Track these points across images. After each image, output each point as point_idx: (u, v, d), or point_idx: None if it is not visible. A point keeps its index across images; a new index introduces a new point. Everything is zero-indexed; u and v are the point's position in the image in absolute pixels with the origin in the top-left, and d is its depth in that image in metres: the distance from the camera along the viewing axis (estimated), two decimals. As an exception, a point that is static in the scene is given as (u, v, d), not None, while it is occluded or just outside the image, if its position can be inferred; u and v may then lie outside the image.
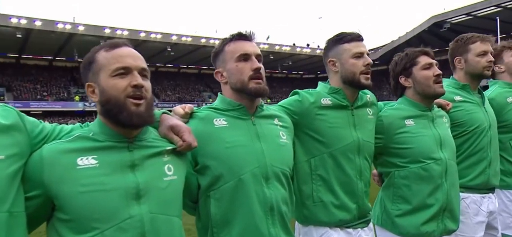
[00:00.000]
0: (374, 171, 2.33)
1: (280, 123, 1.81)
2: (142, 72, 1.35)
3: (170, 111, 1.67)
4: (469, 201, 2.40)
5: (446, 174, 2.11)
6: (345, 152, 1.95)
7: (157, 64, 47.32)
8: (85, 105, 38.96)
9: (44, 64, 43.32)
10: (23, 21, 32.89)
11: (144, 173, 1.32)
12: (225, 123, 1.66)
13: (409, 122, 2.16)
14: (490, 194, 2.49)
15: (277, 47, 44.79)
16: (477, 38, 2.52)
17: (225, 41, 1.75)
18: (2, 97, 36.57)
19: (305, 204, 1.96)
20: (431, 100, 2.23)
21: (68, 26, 35.37)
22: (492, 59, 2.51)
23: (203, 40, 41.37)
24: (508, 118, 2.69)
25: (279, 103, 2.02)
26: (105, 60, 1.34)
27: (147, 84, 1.36)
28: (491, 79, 2.95)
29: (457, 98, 2.49)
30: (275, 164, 1.65)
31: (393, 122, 2.15)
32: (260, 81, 1.68)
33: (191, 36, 41.25)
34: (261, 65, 1.71)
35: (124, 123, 1.30)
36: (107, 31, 37.21)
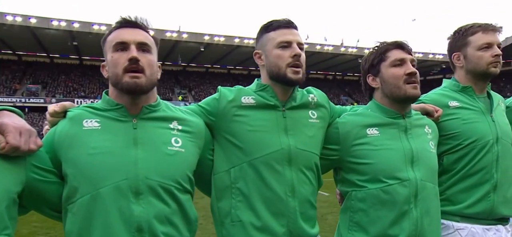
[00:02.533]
0: (337, 189, 1.89)
1: (179, 127, 1.47)
2: None
3: None
4: (465, 233, 1.82)
5: (417, 199, 1.61)
6: (269, 161, 1.54)
7: (250, 68, 49.04)
8: (185, 104, 42.14)
9: (154, 67, 48.08)
10: (139, 31, 36.94)
11: None
12: (97, 125, 1.37)
13: (371, 131, 1.69)
14: (499, 226, 1.86)
15: (366, 51, 42.84)
16: (478, 28, 1.93)
17: (109, 31, 1.46)
18: (121, 96, 41.63)
19: (224, 223, 1.58)
20: (404, 105, 1.73)
21: (174, 34, 38.68)
22: (499, 52, 1.90)
23: (292, 45, 41.62)
24: None
25: (199, 103, 1.71)
26: None
27: None
28: None
29: (453, 103, 1.92)
30: (152, 176, 1.33)
31: (351, 131, 1.70)
32: (135, 74, 1.34)
33: (281, 41, 41.82)
34: (142, 55, 1.37)
35: None
36: (206, 37, 39.72)
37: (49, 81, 41.39)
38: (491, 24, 1.95)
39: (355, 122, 1.72)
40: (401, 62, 1.70)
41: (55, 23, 33.72)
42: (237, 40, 40.32)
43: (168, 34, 38.28)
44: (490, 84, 2.02)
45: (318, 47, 43.70)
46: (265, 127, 1.58)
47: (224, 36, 40.50)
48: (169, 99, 44.43)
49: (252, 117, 1.59)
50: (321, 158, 1.70)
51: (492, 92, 2.03)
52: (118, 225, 1.27)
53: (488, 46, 1.90)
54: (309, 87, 1.78)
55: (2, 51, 40.14)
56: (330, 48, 44.54)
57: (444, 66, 45.27)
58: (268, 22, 1.66)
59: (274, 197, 1.54)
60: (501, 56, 1.93)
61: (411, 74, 1.67)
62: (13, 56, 41.74)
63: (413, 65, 1.71)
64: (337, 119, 1.76)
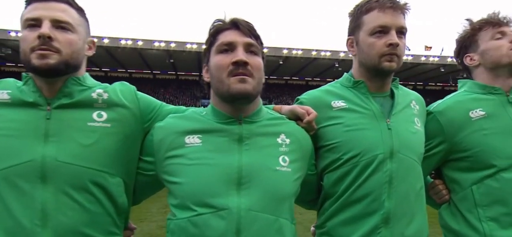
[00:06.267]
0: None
1: None
2: None
3: None
4: None
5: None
6: (11, 177, 1.10)
7: (328, 79, 48.25)
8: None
9: (238, 80, 50.10)
10: (225, 48, 38.95)
11: None
12: None
13: (192, 139, 1.20)
14: None
15: (449, 60, 39.01)
16: (374, 4, 1.36)
17: None
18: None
19: None
20: (235, 105, 1.21)
21: (256, 50, 39.90)
22: (395, 40, 1.32)
23: (369, 55, 39.87)
24: (469, 144, 1.45)
25: None
26: None
27: None
28: (461, 79, 1.65)
29: (337, 104, 1.39)
30: None
31: (165, 139, 1.23)
32: None
33: (358, 52, 40.34)
34: None
35: None
36: (285, 51, 40.09)
37: (151, 94, 45.53)
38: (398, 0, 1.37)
39: (173, 127, 1.25)
40: (229, 48, 1.19)
41: (156, 43, 37.29)
42: (314, 53, 39.93)
43: (250, 50, 39.60)
44: (397, 79, 1.48)
45: (397, 57, 41.09)
46: (15, 131, 1.15)
47: (302, 49, 40.44)
48: (251, 109, 45.66)
49: (3, 118, 1.18)
50: (138, 173, 1.31)
51: (402, 90, 1.50)
52: None
53: (383, 30, 1.35)
54: (117, 83, 1.34)
55: (118, 70, 45.68)
56: (410, 57, 41.57)
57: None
58: None
59: (16, 226, 1.09)
60: (398, 47, 1.33)
61: (238, 64, 1.15)
62: (125, 74, 47.15)
63: (252, 51, 1.21)
64: (156, 123, 1.30)
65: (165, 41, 37.47)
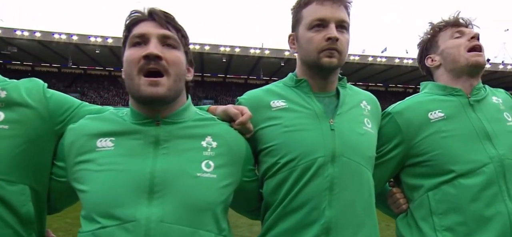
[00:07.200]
0: None
1: None
2: None
3: None
4: None
5: None
6: None
7: (327, 81, 48.35)
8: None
9: (241, 82, 50.32)
10: (227, 49, 39.22)
11: None
12: None
13: (103, 143, 1.08)
14: None
15: (450, 63, 39.16)
16: None
17: None
18: (211, 106, 44.54)
19: None
20: (150, 106, 1.09)
21: (257, 51, 40.13)
22: (334, 34, 1.22)
23: (370, 59, 39.97)
24: (427, 147, 1.36)
25: None
26: None
27: None
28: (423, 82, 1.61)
29: (277, 103, 1.29)
30: None
31: (75, 142, 1.11)
32: None
33: (359, 55, 40.44)
34: None
35: None
36: (287, 53, 40.31)
37: (154, 93, 46.38)
38: None
39: (85, 129, 1.12)
40: (141, 40, 1.07)
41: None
42: (315, 55, 40.22)
43: (252, 51, 39.90)
44: (345, 77, 1.39)
45: (397, 60, 41.24)
46: None
47: (303, 52, 40.75)
48: (252, 110, 45.79)
49: None
50: (52, 179, 1.18)
51: (352, 89, 1.40)
52: None
53: (321, 23, 1.25)
54: (24, 79, 1.19)
55: (121, 69, 46.09)
56: (410, 61, 41.74)
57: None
58: None
59: None
60: (339, 41, 1.24)
61: (149, 58, 1.04)
62: (128, 73, 47.52)
63: (169, 44, 1.09)
64: (69, 125, 1.17)
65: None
